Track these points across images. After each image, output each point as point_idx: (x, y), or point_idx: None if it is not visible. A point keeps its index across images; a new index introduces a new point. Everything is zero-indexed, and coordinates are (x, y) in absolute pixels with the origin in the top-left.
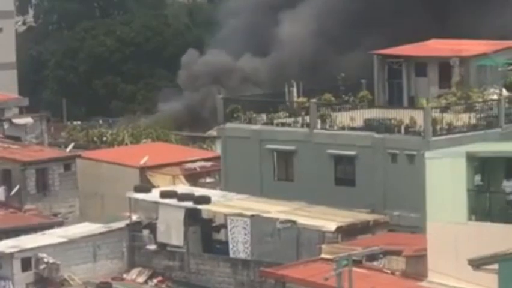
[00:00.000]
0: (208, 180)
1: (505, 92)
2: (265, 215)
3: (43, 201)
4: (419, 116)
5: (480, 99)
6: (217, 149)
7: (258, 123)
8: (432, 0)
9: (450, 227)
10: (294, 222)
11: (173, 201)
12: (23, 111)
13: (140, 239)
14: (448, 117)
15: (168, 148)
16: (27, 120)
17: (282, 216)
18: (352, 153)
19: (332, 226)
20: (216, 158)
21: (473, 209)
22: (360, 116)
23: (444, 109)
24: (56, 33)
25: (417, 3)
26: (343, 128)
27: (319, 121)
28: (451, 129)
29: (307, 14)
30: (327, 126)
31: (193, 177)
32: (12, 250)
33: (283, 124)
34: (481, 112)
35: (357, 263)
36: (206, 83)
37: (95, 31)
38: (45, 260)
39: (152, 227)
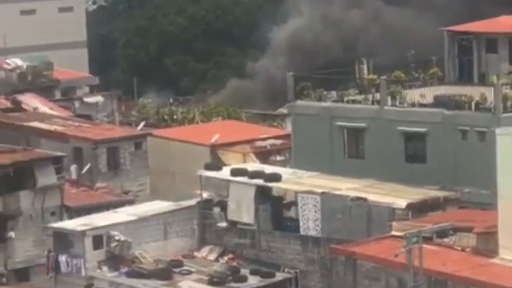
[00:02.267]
0: (278, 158)
1: None
2: (335, 192)
3: (114, 180)
4: (489, 92)
5: None
6: (288, 127)
7: (328, 101)
8: None
9: None
10: (364, 199)
11: (244, 179)
12: (93, 90)
13: (211, 216)
14: None
15: (239, 126)
16: (98, 98)
17: (353, 194)
18: (422, 130)
19: (402, 203)
20: (286, 136)
21: None
22: (430, 93)
23: None
24: (126, 12)
25: None
26: (413, 105)
27: (389, 98)
28: None
29: None
30: (397, 103)
31: (263, 155)
32: (83, 228)
33: (353, 101)
34: None
35: (428, 239)
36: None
37: (166, 9)
38: (117, 237)
39: (223, 205)
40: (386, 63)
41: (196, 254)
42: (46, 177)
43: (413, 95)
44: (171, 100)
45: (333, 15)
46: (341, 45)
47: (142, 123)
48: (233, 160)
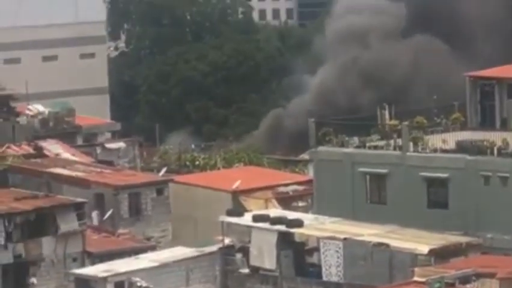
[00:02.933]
0: (300, 204)
1: None
2: (357, 238)
3: (136, 226)
4: (511, 137)
5: None
6: (310, 173)
7: (350, 146)
8: None
9: None
10: (386, 245)
11: (265, 224)
12: (115, 135)
13: (233, 262)
14: None
15: (260, 172)
16: (120, 144)
17: (375, 239)
18: (445, 175)
19: (424, 249)
20: (308, 182)
21: None
22: (452, 138)
23: None
24: (148, 58)
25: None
26: (435, 151)
27: (411, 144)
28: None
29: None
30: (420, 149)
31: (285, 201)
32: (105, 274)
33: (375, 147)
34: None
35: (450, 285)
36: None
37: (187, 55)
38: (139, 284)
39: (245, 251)
40: (408, 109)
41: None
42: (68, 223)
43: (435, 140)
44: (193, 146)
45: (361, 61)
46: (366, 89)
47: (164, 169)
48: (255, 206)
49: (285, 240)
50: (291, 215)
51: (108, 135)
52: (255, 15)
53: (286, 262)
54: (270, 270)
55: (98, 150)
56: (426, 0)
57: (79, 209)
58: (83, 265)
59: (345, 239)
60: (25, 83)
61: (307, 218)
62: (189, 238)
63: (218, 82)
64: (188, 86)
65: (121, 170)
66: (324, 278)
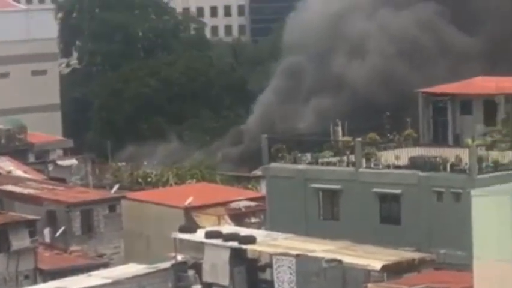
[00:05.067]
0: (253, 220)
1: None
2: (310, 254)
3: (88, 243)
4: (464, 154)
5: None
6: (262, 189)
7: (303, 163)
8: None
9: (496, 266)
10: (339, 261)
11: (218, 241)
12: (67, 152)
13: (185, 279)
14: (493, 154)
15: (213, 188)
16: (72, 161)
17: (328, 256)
18: (397, 191)
19: (377, 265)
20: (260, 198)
21: None
22: (405, 155)
23: (490, 147)
24: (100, 74)
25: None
26: (388, 167)
27: (364, 160)
28: (496, 167)
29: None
30: (372, 165)
31: (238, 217)
32: None
33: (328, 163)
34: None
35: None
36: None
37: (140, 72)
38: None
39: (197, 267)
40: (361, 126)
41: None
42: (20, 241)
43: (388, 156)
44: (145, 163)
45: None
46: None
47: (116, 186)
48: (207, 222)
49: (237, 257)
50: (244, 231)
51: (60, 152)
52: (207, 32)
53: (240, 278)
54: (223, 287)
55: (50, 167)
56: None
57: (31, 226)
58: (35, 282)
59: (297, 255)
60: None
61: (260, 234)
62: (142, 255)
63: (171, 98)
64: (141, 103)
65: (73, 187)
66: None
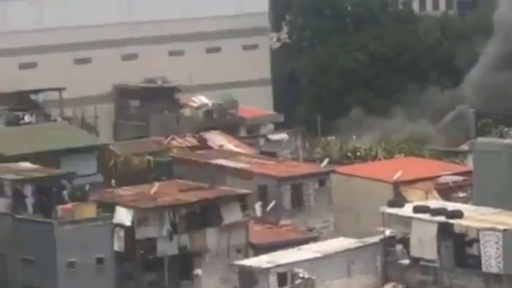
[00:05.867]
0: (460, 194)
1: None
2: None
3: (298, 217)
4: None
5: None
6: (469, 164)
7: (510, 138)
8: None
9: None
10: None
11: (426, 216)
12: (278, 127)
13: (393, 253)
14: None
15: (421, 163)
16: (283, 136)
17: None
18: None
19: None
20: (468, 173)
21: None
22: None
23: None
24: (309, 49)
25: None
26: None
27: None
28: None
29: None
30: None
31: (445, 192)
32: (268, 265)
33: None
34: None
35: None
36: None
37: (348, 46)
38: (301, 275)
39: (405, 242)
40: None
41: None
42: (232, 215)
43: None
44: (354, 137)
45: None
46: None
47: (326, 160)
48: (415, 197)
49: (445, 231)
50: (451, 205)
51: (271, 126)
52: (415, 6)
53: (447, 253)
54: (430, 261)
55: (261, 141)
56: None
57: (242, 200)
58: (246, 256)
59: (505, 230)
60: (188, 74)
61: (467, 209)
62: (351, 229)
63: (378, 73)
64: (349, 77)
65: (284, 161)
66: (484, 270)
